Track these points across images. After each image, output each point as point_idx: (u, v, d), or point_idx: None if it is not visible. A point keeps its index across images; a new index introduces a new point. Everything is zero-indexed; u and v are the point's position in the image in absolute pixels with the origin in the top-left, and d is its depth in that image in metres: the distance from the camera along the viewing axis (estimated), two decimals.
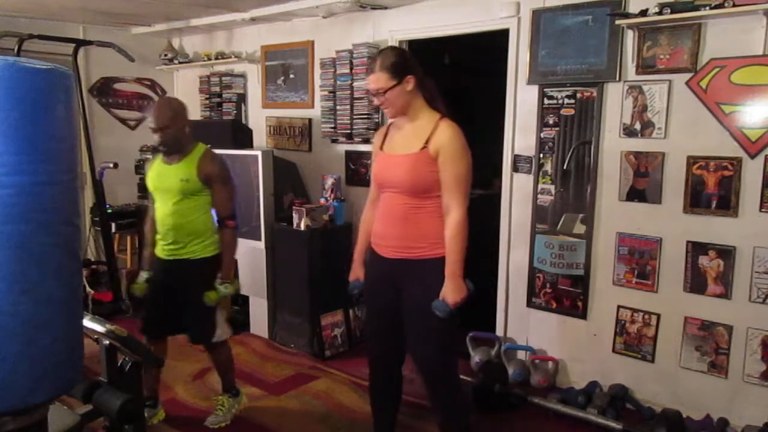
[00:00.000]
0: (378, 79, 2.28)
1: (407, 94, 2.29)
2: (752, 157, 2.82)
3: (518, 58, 3.50)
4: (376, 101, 2.35)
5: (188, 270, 2.87)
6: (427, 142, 2.26)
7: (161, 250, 2.94)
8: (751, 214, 2.85)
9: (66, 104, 1.31)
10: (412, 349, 2.44)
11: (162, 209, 2.88)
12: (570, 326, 3.49)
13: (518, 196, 3.61)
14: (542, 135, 3.46)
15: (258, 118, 4.99)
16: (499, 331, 3.77)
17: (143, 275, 3.04)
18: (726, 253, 2.93)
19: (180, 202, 2.82)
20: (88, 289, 4.64)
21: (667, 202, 3.08)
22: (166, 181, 2.85)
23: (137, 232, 5.08)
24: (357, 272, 2.63)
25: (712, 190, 2.93)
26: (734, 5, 2.69)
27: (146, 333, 3.03)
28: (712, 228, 2.96)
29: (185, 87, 5.62)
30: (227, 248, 2.93)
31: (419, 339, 2.39)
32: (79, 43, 4.64)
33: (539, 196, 3.50)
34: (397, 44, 4.04)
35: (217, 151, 3.03)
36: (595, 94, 3.24)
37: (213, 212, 2.95)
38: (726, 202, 2.89)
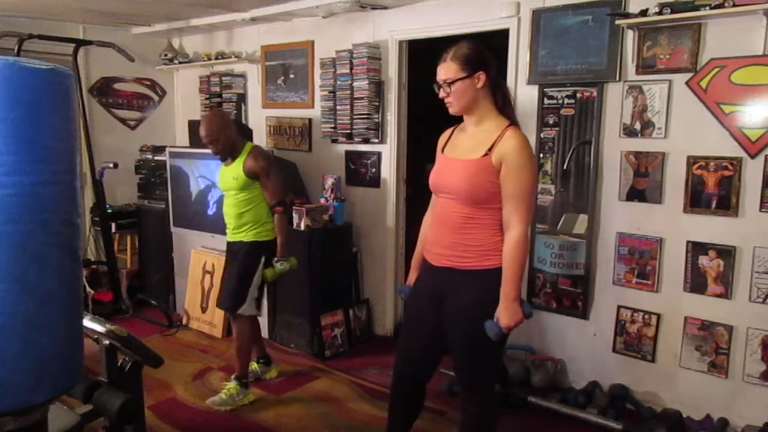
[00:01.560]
0: (447, 69, 2.11)
1: (475, 91, 2.12)
2: (752, 157, 2.82)
3: (518, 58, 3.51)
4: (441, 93, 2.17)
5: (241, 249, 3.31)
6: (490, 149, 2.09)
7: (228, 234, 3.40)
8: (751, 214, 2.85)
9: (66, 104, 1.31)
10: (454, 360, 2.32)
11: (226, 201, 3.37)
12: (570, 326, 3.49)
13: None
14: (542, 135, 3.46)
15: (258, 118, 4.99)
16: None
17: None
18: (726, 253, 2.93)
19: (236, 196, 3.27)
20: (88, 289, 4.64)
21: (667, 202, 3.08)
22: (224, 180, 3.33)
23: (137, 232, 5.09)
24: (410, 277, 2.50)
25: (712, 190, 2.93)
26: (734, 5, 2.69)
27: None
28: (712, 228, 2.96)
29: (185, 87, 5.62)
30: (279, 232, 3.29)
31: (460, 351, 2.26)
32: (79, 43, 4.64)
33: (539, 196, 3.50)
34: (396, 44, 4.05)
35: None
36: (595, 94, 3.24)
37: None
38: (726, 202, 2.89)
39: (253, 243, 3.28)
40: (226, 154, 3.26)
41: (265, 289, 3.43)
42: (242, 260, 3.28)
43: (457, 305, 2.20)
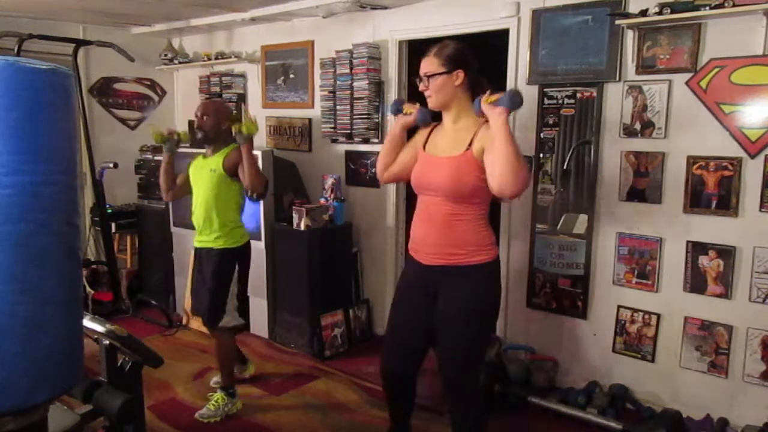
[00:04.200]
0: (429, 63, 2.24)
1: (453, 88, 2.23)
2: (752, 157, 2.82)
3: (518, 58, 3.50)
4: (421, 86, 2.28)
5: (212, 257, 3.14)
6: (470, 144, 2.18)
7: (195, 241, 3.25)
8: (751, 214, 2.85)
9: (66, 104, 1.31)
10: (441, 356, 2.34)
11: (196, 199, 3.20)
12: (570, 326, 3.49)
13: None
14: (542, 135, 3.46)
15: (258, 118, 4.96)
16: (499, 331, 3.77)
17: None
18: (726, 253, 2.93)
19: (209, 192, 3.11)
20: (88, 289, 4.64)
21: (667, 202, 3.08)
22: (199, 172, 3.19)
23: (137, 232, 5.09)
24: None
25: (712, 190, 2.93)
26: (734, 5, 2.69)
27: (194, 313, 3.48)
28: (712, 228, 2.96)
29: (185, 87, 5.62)
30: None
31: (451, 346, 2.29)
32: (79, 43, 4.64)
33: (539, 196, 3.50)
34: (396, 44, 4.05)
35: None
36: (595, 94, 3.24)
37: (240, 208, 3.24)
38: (726, 202, 2.89)
39: (224, 251, 3.12)
40: (208, 136, 3.14)
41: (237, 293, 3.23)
42: (215, 271, 3.12)
43: (452, 301, 2.25)
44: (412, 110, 2.41)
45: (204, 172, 3.15)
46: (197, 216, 3.18)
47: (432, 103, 2.28)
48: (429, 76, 2.22)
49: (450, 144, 2.24)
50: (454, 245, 2.23)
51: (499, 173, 2.04)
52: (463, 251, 2.22)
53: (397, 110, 2.48)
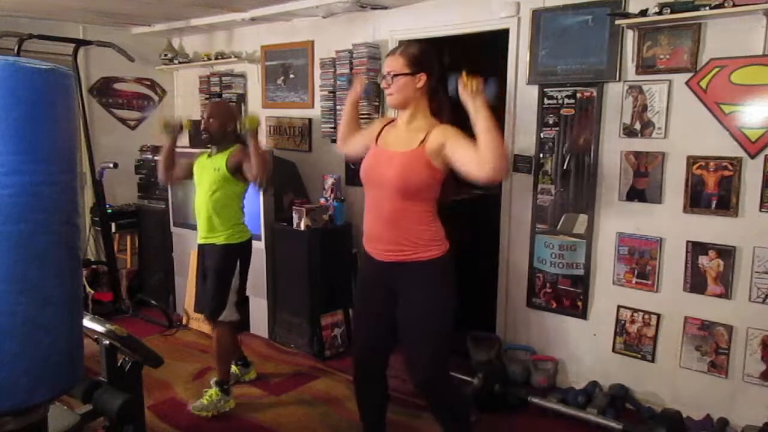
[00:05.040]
0: (394, 62, 2.27)
1: (414, 89, 2.26)
2: (752, 157, 2.82)
3: (518, 58, 3.50)
4: (383, 83, 2.33)
5: (215, 253, 3.21)
6: (423, 141, 2.21)
7: (199, 238, 3.31)
8: (751, 214, 2.85)
9: (66, 104, 1.32)
10: (408, 355, 2.38)
11: (198, 200, 3.26)
12: (570, 326, 3.49)
13: (518, 196, 3.61)
14: (542, 135, 3.46)
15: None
16: (499, 331, 3.77)
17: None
18: (726, 253, 2.93)
19: (211, 194, 3.17)
20: (88, 289, 4.64)
21: (667, 202, 3.08)
22: (203, 171, 3.24)
23: (137, 232, 5.09)
24: None
25: (712, 190, 2.93)
26: (734, 5, 2.69)
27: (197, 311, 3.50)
28: (712, 228, 2.96)
29: (185, 87, 5.62)
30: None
31: (415, 345, 2.34)
32: (79, 43, 4.64)
33: (539, 196, 3.50)
34: (396, 44, 4.04)
35: None
36: (595, 94, 3.24)
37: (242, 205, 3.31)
38: (726, 202, 2.89)
39: (226, 246, 3.20)
40: (214, 137, 3.21)
41: (240, 290, 3.32)
42: (217, 265, 3.20)
43: (410, 301, 2.29)
44: (359, 85, 2.59)
45: (208, 171, 3.21)
46: (200, 214, 3.24)
47: (391, 101, 2.32)
48: (393, 75, 2.26)
49: (403, 140, 2.28)
50: (404, 241, 2.27)
51: (483, 160, 2.03)
52: (414, 247, 2.26)
53: (349, 82, 2.61)
